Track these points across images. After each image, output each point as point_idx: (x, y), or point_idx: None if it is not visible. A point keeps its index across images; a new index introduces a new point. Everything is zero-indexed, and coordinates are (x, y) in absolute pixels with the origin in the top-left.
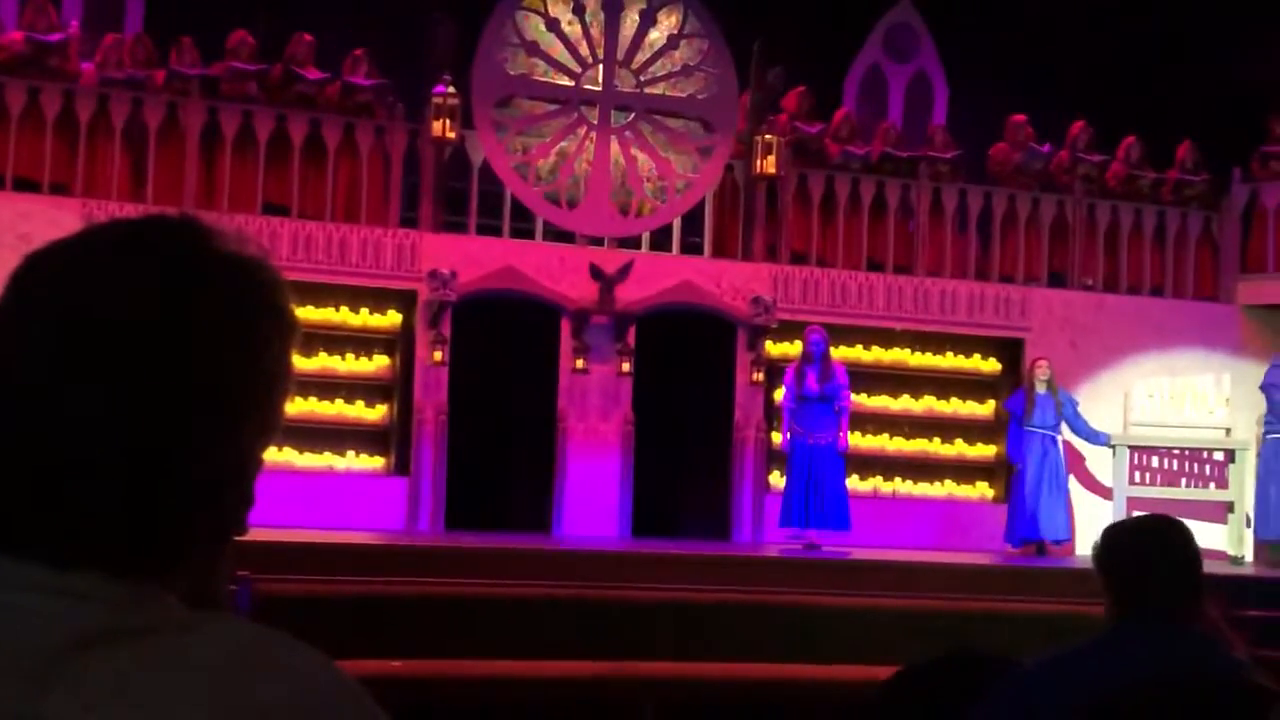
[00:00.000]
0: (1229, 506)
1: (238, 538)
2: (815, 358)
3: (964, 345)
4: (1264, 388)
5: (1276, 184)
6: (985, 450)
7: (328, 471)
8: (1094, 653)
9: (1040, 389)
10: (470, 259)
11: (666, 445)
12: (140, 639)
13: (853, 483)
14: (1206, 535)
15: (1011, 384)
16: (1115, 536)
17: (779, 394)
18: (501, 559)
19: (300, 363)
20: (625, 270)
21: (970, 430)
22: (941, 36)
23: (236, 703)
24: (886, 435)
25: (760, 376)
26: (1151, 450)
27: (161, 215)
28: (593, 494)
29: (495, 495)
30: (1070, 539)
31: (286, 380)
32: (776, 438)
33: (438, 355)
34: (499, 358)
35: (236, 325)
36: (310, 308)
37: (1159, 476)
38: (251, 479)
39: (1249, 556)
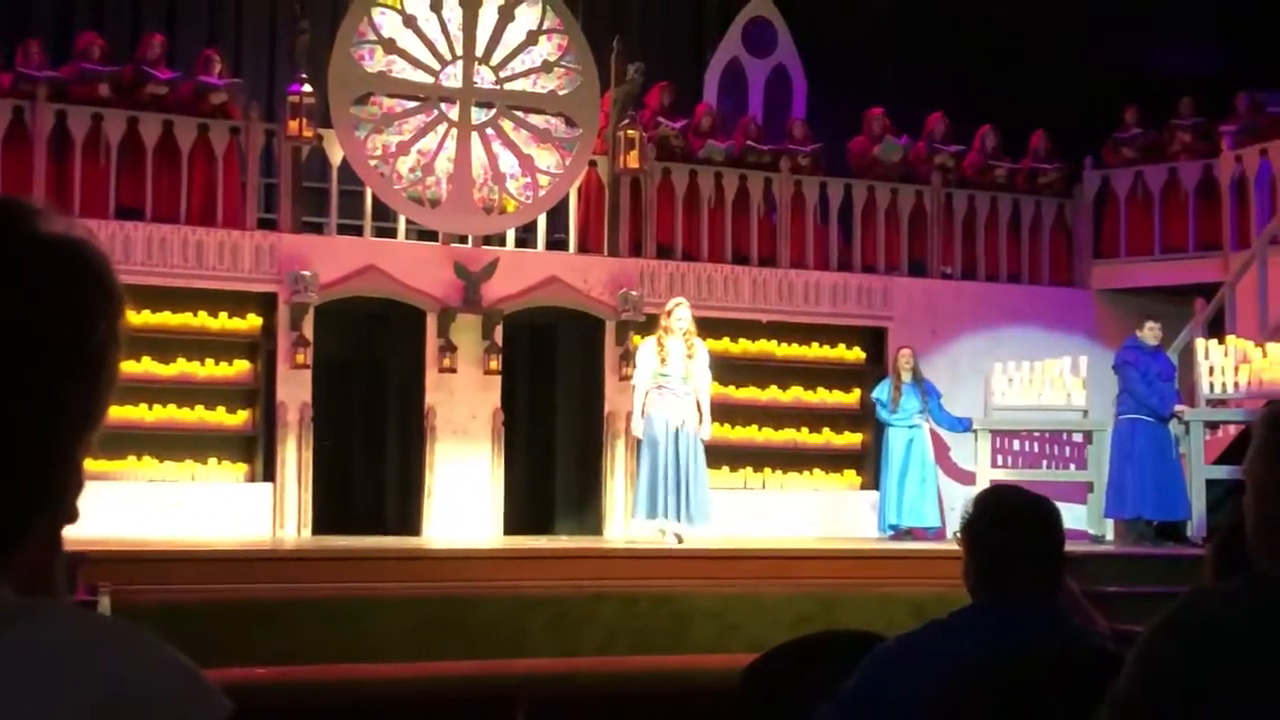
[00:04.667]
0: (1089, 486)
1: (69, 523)
2: (679, 334)
3: (829, 335)
4: (1116, 366)
5: (1127, 171)
6: (853, 439)
7: (189, 480)
8: (959, 627)
9: (905, 378)
10: (331, 259)
11: (537, 443)
12: None
13: (723, 475)
14: (1068, 515)
15: (876, 372)
16: (984, 509)
17: (635, 381)
18: (369, 561)
19: (158, 369)
20: (491, 268)
21: (837, 419)
22: (799, 31)
23: (76, 688)
24: (755, 426)
25: (629, 371)
26: (1012, 434)
27: None
28: (463, 494)
29: (364, 499)
30: (941, 525)
31: (115, 360)
32: None
33: (300, 358)
34: (364, 359)
35: (61, 305)
36: (167, 313)
37: (1020, 459)
38: (79, 464)
39: (1109, 535)
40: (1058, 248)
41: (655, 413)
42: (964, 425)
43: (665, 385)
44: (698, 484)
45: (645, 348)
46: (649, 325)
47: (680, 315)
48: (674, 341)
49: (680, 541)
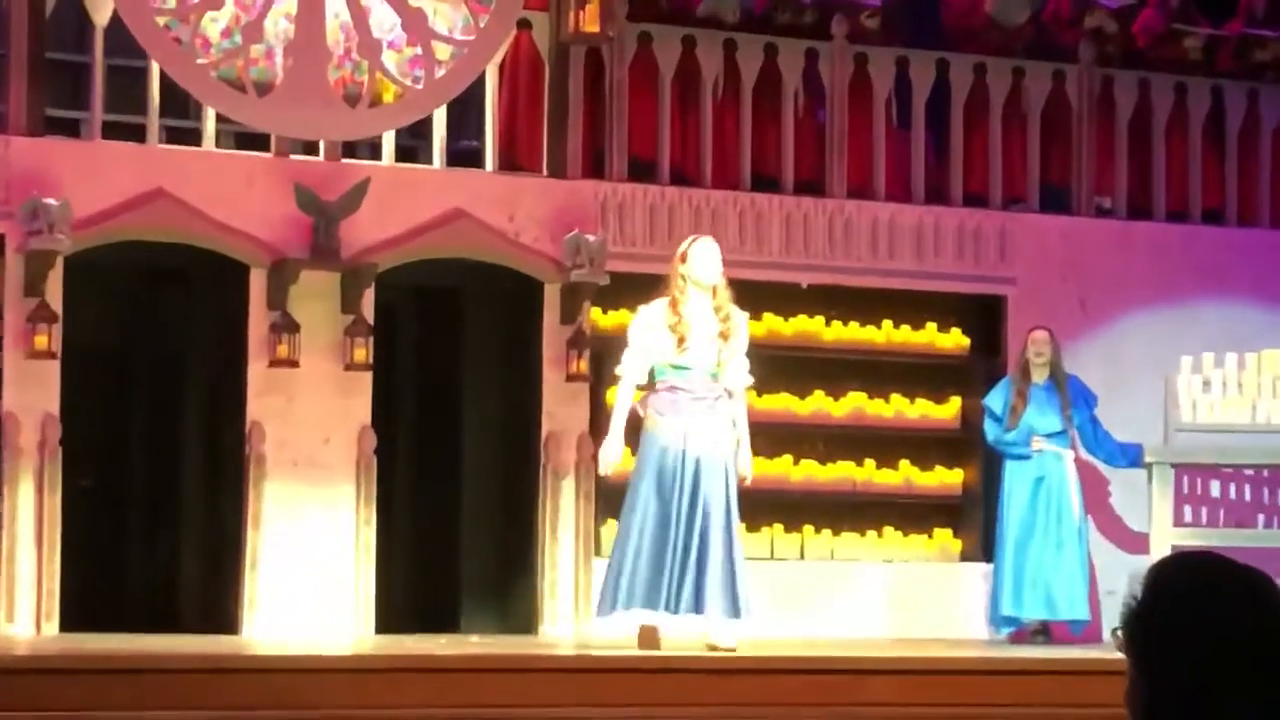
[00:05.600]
0: None
1: None
2: (706, 294)
3: (910, 309)
4: None
5: None
6: (949, 478)
7: None
8: None
9: (1038, 377)
10: (94, 180)
11: (432, 484)
12: None
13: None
14: None
15: (989, 369)
16: (1163, 594)
17: (621, 371)
18: (153, 676)
19: None
20: (355, 196)
21: (924, 447)
22: None
23: None
24: (789, 458)
25: (582, 366)
26: (1210, 471)
27: None
28: (310, 568)
29: (146, 576)
30: (1089, 617)
31: None
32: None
33: (41, 342)
34: (146, 346)
35: None
36: None
37: (1223, 512)
38: None
39: None
40: None
41: (663, 433)
42: (1131, 456)
43: (681, 385)
44: (731, 554)
45: (647, 319)
46: (614, 290)
47: (704, 260)
48: (697, 308)
49: (727, 648)
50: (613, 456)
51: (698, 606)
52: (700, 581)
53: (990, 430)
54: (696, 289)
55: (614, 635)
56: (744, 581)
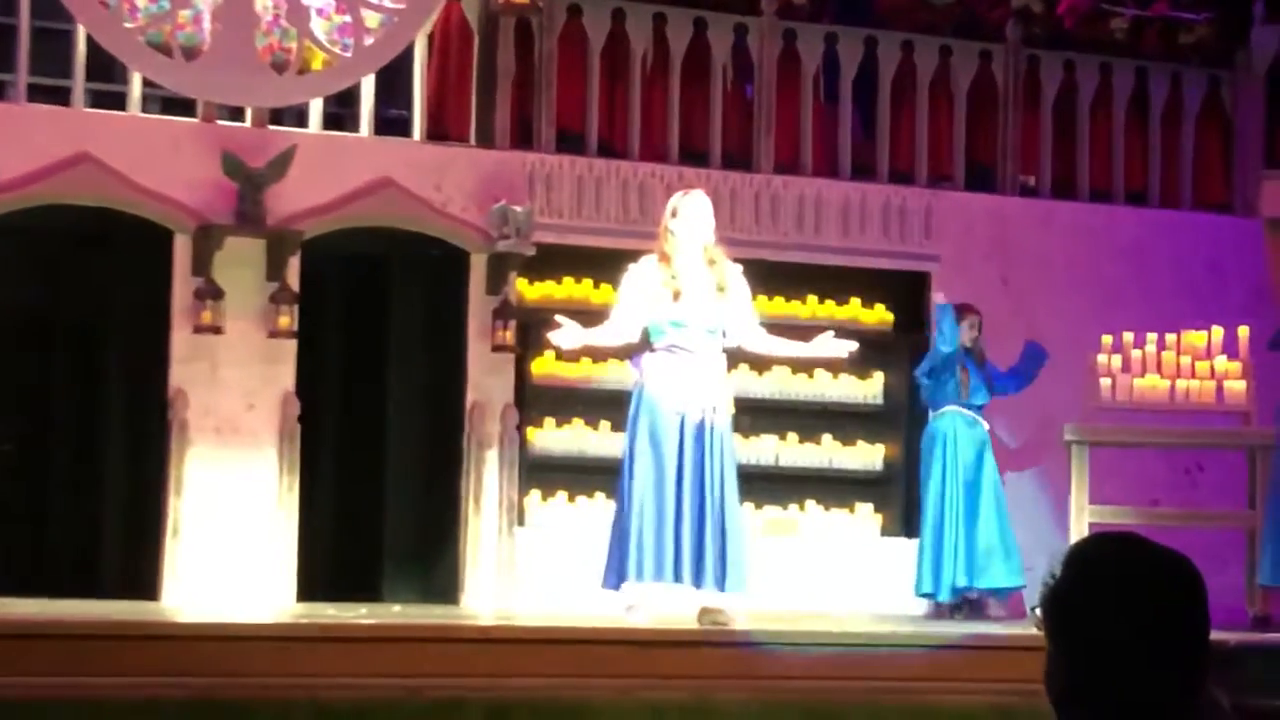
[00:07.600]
0: (1247, 535)
1: None
2: (699, 251)
3: (836, 285)
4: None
5: None
6: (871, 453)
7: None
8: None
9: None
10: (17, 143)
11: (356, 452)
12: None
13: None
14: (1215, 582)
15: (913, 346)
16: (1079, 573)
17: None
18: (71, 642)
19: None
20: (282, 163)
21: (847, 422)
22: None
23: None
24: None
25: (508, 337)
26: (1128, 450)
27: None
28: (232, 535)
29: (66, 541)
30: (1024, 584)
31: None
32: (533, 434)
33: None
34: (66, 310)
35: None
36: None
37: (1140, 490)
38: None
39: None
40: (1207, 150)
41: (659, 395)
42: (1029, 351)
43: (679, 344)
44: (724, 524)
45: (637, 275)
46: (541, 261)
47: (696, 215)
48: (689, 262)
49: (723, 622)
50: (564, 337)
51: (697, 577)
52: (698, 552)
53: (928, 389)
54: (687, 245)
55: (617, 608)
56: (741, 552)
